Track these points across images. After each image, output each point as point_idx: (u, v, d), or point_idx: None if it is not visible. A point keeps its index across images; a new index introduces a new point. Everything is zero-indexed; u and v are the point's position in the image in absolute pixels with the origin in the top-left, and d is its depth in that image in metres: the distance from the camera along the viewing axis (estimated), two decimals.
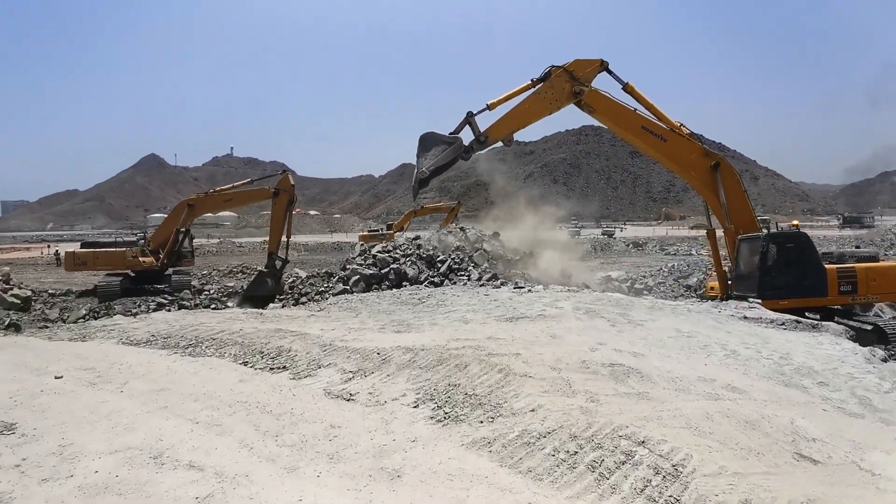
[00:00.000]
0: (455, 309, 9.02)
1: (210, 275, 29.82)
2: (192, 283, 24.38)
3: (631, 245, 51.85)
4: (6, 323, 16.16)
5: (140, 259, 22.72)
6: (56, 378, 5.32)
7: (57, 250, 42.63)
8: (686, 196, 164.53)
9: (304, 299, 19.51)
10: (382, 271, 20.26)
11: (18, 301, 19.62)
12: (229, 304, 20.15)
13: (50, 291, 22.99)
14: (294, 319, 8.95)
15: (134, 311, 18.86)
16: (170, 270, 23.69)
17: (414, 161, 11.83)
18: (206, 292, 22.90)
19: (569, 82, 11.23)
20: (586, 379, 4.87)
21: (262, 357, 5.97)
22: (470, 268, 20.23)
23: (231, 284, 25.45)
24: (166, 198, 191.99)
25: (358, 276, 20.04)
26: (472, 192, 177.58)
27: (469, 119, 11.41)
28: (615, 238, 61.37)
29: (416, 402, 4.53)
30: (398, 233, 38.22)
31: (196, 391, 4.87)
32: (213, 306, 20.91)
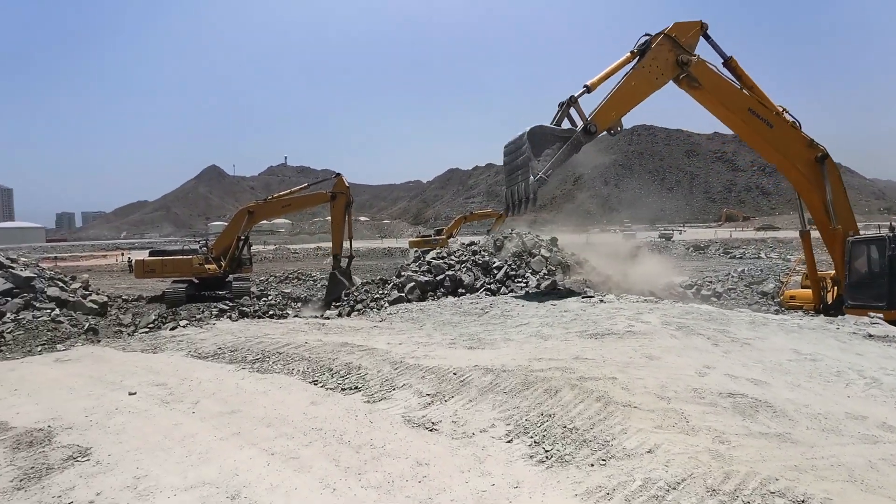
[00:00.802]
0: (526, 322, 8.42)
1: (268, 280, 30.53)
2: (252, 289, 24.94)
3: (691, 248, 49.02)
4: (85, 327, 16.99)
5: (205, 266, 23.44)
6: (130, 394, 5.19)
7: (129, 258, 45.25)
8: (749, 196, 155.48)
9: (359, 306, 19.46)
10: (438, 278, 19.95)
11: (96, 306, 20.59)
12: (289, 311, 20.37)
13: (124, 297, 24.19)
14: (358, 331, 8.65)
15: (198, 316, 19.44)
16: (230, 277, 24.32)
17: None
18: (266, 298, 23.34)
19: (672, 51, 9.83)
20: (705, 412, 4.17)
21: (331, 375, 5.63)
22: (528, 274, 19.58)
23: (288, 290, 25.89)
24: (225, 206, 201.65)
25: (413, 284, 19.79)
26: None
27: (571, 104, 10.09)
28: (673, 241, 58.27)
29: (508, 434, 4.00)
30: (451, 239, 37.94)
31: (268, 414, 4.56)
32: (270, 312, 21.29)
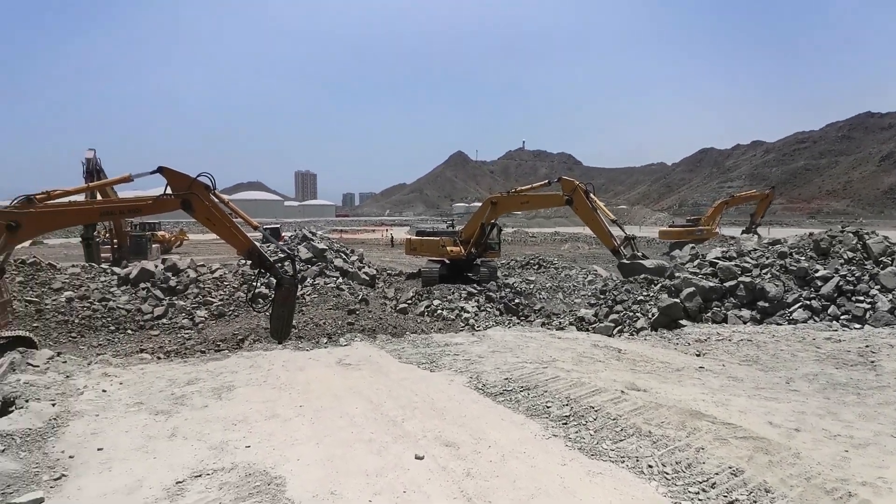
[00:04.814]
0: None
1: (509, 265, 30.03)
2: (497, 275, 24.67)
3: None
4: (359, 297, 18.62)
5: (448, 248, 24.20)
6: (417, 458, 3.74)
7: (391, 234, 51.58)
8: None
9: (618, 307, 16.61)
10: (726, 284, 15.53)
11: (368, 278, 22.73)
12: (535, 300, 18.82)
13: (388, 271, 26.70)
14: (679, 374, 5.95)
15: (448, 297, 19.60)
16: (479, 261, 24.47)
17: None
18: (510, 288, 22.38)
19: None
20: None
21: None
22: (874, 292, 13.51)
23: (532, 279, 24.65)
24: (468, 189, 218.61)
25: (692, 289, 15.82)
26: (796, 178, 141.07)
27: None
28: None
29: None
30: (744, 235, 31.21)
31: None
32: (516, 301, 20.22)
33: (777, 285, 14.76)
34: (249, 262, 11.68)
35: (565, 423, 4.35)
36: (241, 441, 4.05)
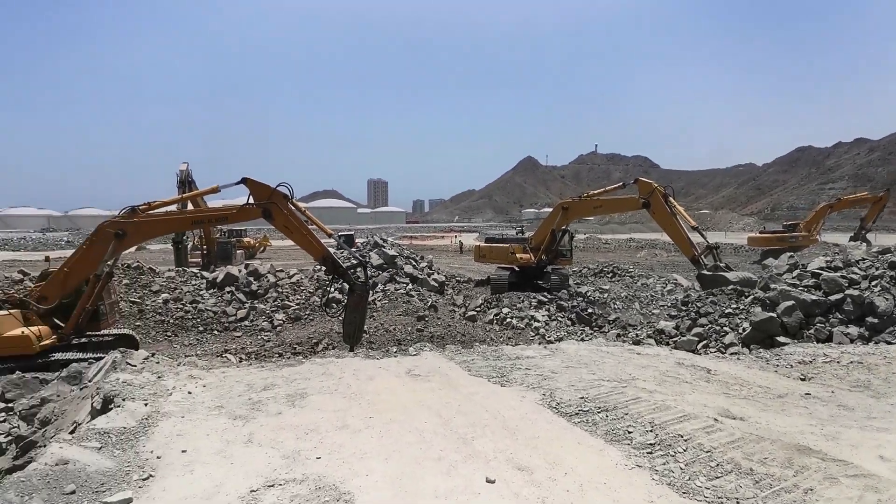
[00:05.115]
0: None
1: (582, 273, 28.96)
2: (568, 282, 23.83)
3: None
4: (428, 304, 18.72)
5: (518, 256, 23.76)
6: (488, 482, 3.53)
7: (461, 241, 51.68)
8: None
9: (703, 321, 15.37)
10: (831, 298, 13.94)
11: (437, 285, 22.81)
12: (610, 310, 17.89)
13: (456, 278, 26.69)
14: (782, 402, 5.23)
15: (518, 305, 19.19)
16: (549, 268, 23.77)
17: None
18: (582, 297, 21.48)
19: None
20: None
21: None
22: None
23: (606, 287, 23.57)
24: (538, 195, 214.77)
25: (791, 303, 14.34)
26: None
27: None
28: None
29: None
30: (852, 242, 28.15)
31: None
32: (589, 311, 19.37)
33: (887, 299, 13.08)
34: (324, 267, 12.13)
35: (650, 453, 3.95)
36: (312, 451, 4.08)
